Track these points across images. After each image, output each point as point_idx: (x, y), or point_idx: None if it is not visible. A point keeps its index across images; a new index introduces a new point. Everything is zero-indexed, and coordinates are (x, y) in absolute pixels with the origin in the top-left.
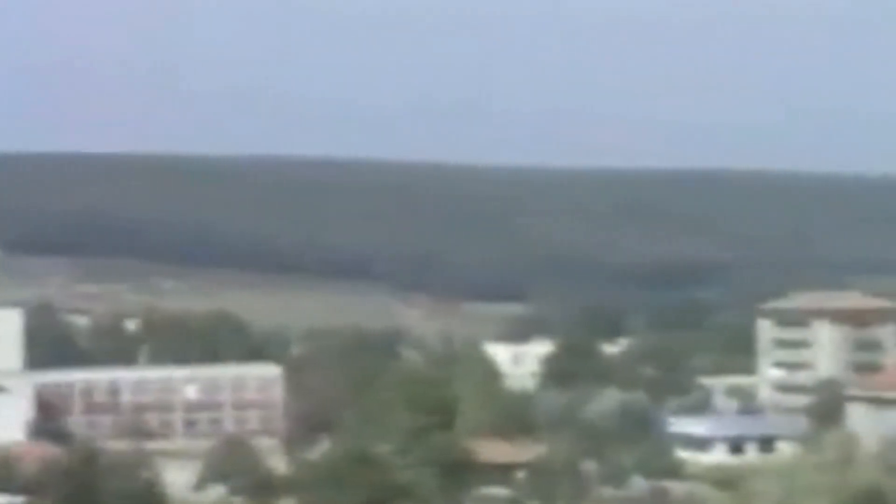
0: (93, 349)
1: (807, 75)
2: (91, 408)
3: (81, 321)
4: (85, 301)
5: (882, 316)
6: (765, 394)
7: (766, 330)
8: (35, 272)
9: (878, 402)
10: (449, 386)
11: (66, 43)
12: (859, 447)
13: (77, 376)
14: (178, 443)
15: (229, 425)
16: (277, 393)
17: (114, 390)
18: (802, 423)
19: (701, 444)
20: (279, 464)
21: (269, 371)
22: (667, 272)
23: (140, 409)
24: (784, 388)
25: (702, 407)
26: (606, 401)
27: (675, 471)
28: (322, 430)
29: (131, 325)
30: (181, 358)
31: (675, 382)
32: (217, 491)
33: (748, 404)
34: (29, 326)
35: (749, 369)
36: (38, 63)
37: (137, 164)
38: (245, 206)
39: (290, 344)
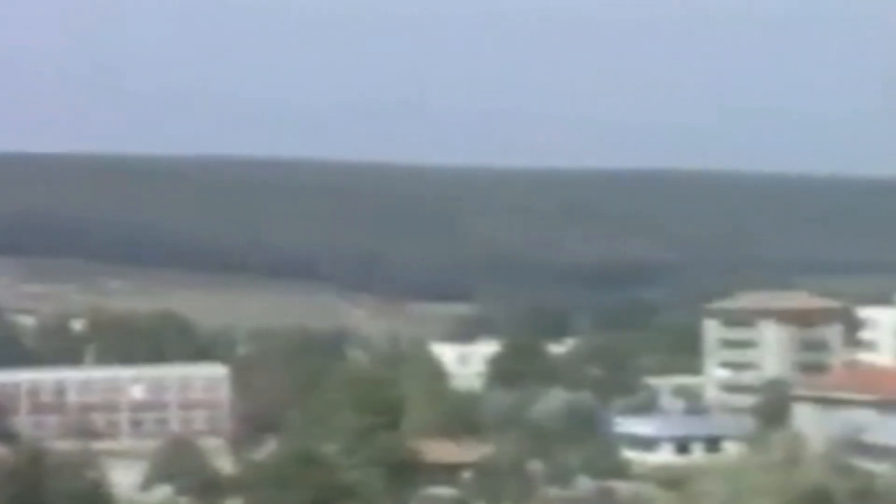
0: (39, 349)
1: (753, 75)
2: (37, 408)
3: (27, 321)
4: (31, 301)
5: (828, 316)
6: (711, 394)
7: (712, 330)
8: None
9: (825, 402)
10: (395, 386)
11: (4, 42)
12: (805, 447)
13: (23, 376)
14: (125, 443)
15: (175, 425)
16: (223, 393)
17: (60, 390)
18: (749, 424)
19: (647, 444)
20: (225, 464)
21: (216, 371)
22: (612, 272)
23: (86, 409)
24: (730, 388)
25: (648, 407)
26: (552, 401)
27: (622, 471)
28: (268, 431)
29: (77, 325)
30: (127, 358)
31: (621, 382)
32: (163, 491)
33: (694, 404)
34: None
35: (695, 369)
36: None
37: (82, 164)
38: (189, 206)
39: (236, 344)
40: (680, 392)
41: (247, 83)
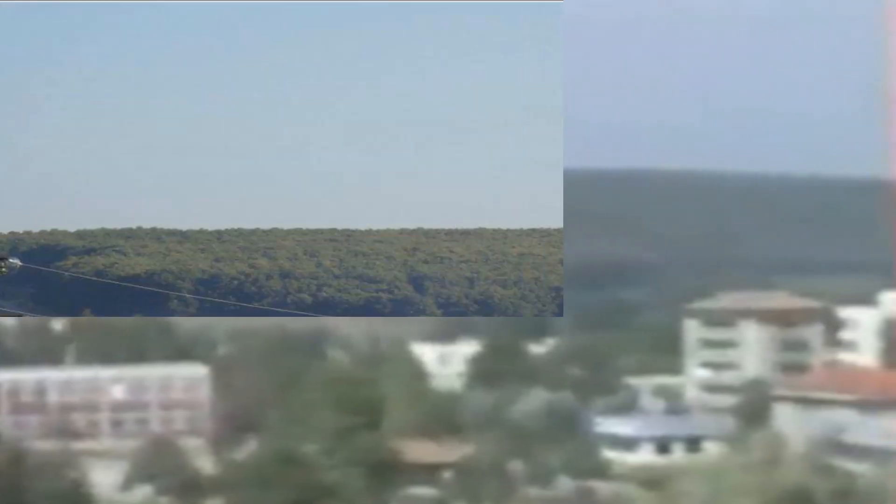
0: (19, 349)
1: (732, 74)
2: (17, 408)
3: (8, 321)
4: None
5: (809, 316)
6: (691, 394)
7: (692, 330)
8: None
9: (805, 402)
10: (375, 386)
11: None
12: (786, 447)
13: (3, 376)
14: (105, 443)
15: (156, 425)
16: (204, 393)
17: (40, 390)
18: (729, 424)
19: (627, 444)
20: (206, 464)
21: (196, 371)
22: (592, 272)
23: (67, 408)
24: (711, 388)
25: (628, 407)
26: (533, 401)
27: (602, 471)
28: (249, 430)
29: (58, 324)
30: (108, 358)
31: (601, 382)
32: (143, 491)
33: (675, 404)
34: None
35: (676, 369)
36: None
37: None
38: None
39: (216, 343)
40: (660, 392)
41: None
